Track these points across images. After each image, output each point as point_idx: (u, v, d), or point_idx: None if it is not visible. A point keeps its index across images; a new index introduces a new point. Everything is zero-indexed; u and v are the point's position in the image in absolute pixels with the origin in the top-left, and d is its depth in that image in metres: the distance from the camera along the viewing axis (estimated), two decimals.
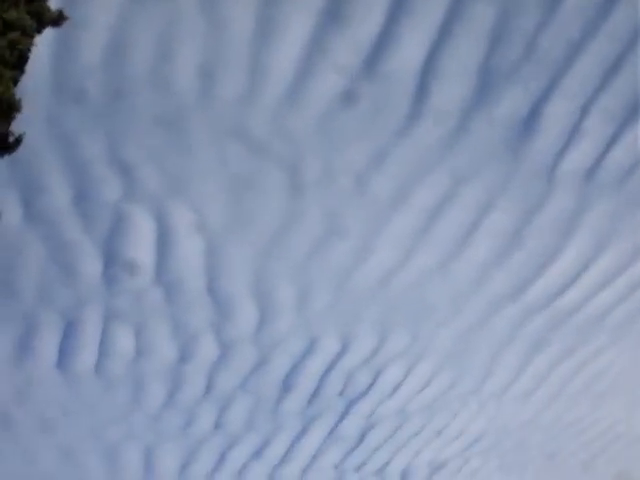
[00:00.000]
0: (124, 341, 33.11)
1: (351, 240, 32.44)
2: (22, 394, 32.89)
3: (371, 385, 35.03)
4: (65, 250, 30.88)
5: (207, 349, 33.90)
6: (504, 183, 31.43)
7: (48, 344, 32.42)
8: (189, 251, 32.07)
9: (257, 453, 35.74)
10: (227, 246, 32.34)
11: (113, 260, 32.22)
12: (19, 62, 12.79)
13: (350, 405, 35.78)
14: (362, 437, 35.64)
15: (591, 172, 30.59)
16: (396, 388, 34.74)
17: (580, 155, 30.39)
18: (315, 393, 35.58)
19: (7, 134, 12.56)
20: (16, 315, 31.71)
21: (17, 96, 12.61)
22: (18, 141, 12.83)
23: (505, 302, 33.48)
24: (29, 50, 12.94)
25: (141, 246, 32.01)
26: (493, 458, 36.06)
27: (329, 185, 30.86)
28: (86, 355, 33.23)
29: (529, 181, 31.67)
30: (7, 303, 30.92)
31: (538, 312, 33.60)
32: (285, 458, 35.77)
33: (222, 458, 35.40)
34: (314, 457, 35.87)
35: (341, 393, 35.54)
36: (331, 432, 35.75)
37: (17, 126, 13.26)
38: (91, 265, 31.70)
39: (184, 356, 34.33)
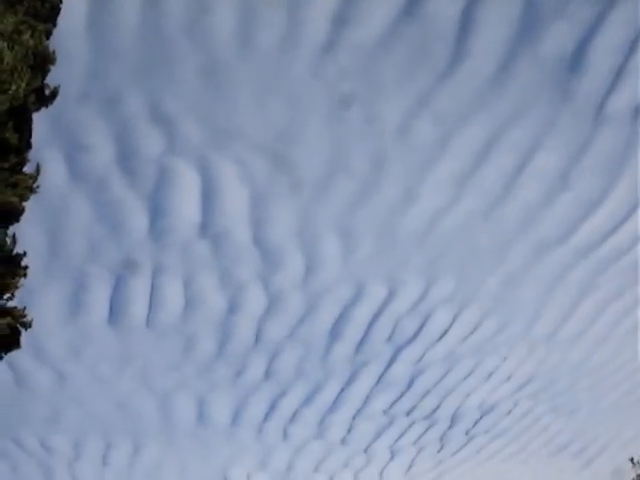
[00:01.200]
0: (173, 294, 33.54)
1: (396, 186, 32.23)
2: (76, 349, 33.62)
3: (419, 331, 35.07)
4: (111, 206, 31.23)
5: (255, 299, 34.18)
6: (550, 123, 30.83)
7: (99, 300, 32.99)
8: (234, 203, 32.21)
9: (307, 401, 36.16)
10: (272, 196, 32.39)
11: (159, 214, 32.54)
12: (51, 14, 12.81)
13: (398, 351, 35.93)
14: (411, 382, 35.83)
15: (638, 110, 29.87)
16: (444, 333, 34.73)
17: (628, 92, 29.61)
18: (363, 340, 35.76)
19: (42, 87, 12.62)
20: (67, 273, 32.29)
21: (51, 49, 12.63)
22: (54, 94, 12.89)
23: (553, 245, 33.08)
24: (60, 1, 12.94)
25: (186, 199, 32.23)
26: (543, 401, 36.00)
27: (372, 131, 30.63)
28: (136, 309, 33.77)
29: (576, 121, 31.03)
30: (57, 262, 31.48)
31: (587, 254, 33.16)
32: (335, 405, 36.16)
33: (273, 406, 35.89)
34: (364, 403, 36.20)
35: (389, 339, 35.66)
36: (380, 378, 35.99)
37: (53, 80, 13.31)
38: (137, 220, 32.05)
39: (233, 307, 34.70)
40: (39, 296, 29.29)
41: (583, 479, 33.96)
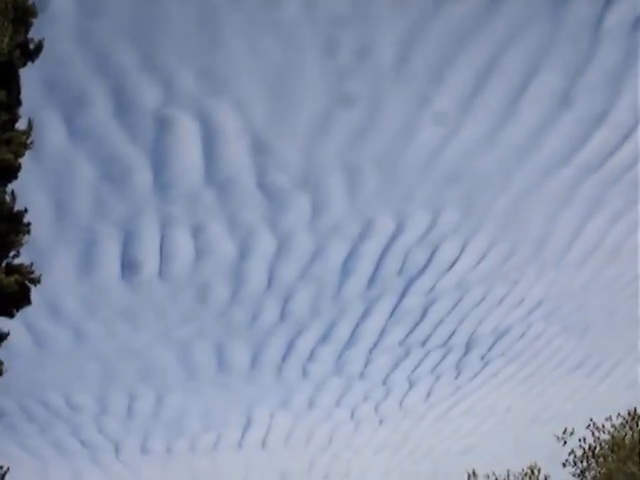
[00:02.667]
0: (183, 245, 33.73)
1: (397, 118, 32.12)
2: (91, 306, 33.92)
3: (429, 262, 35.19)
4: (114, 162, 31.30)
5: (265, 243, 34.35)
6: (549, 43, 30.55)
7: (110, 256, 33.22)
8: (236, 148, 32.22)
9: (324, 338, 36.49)
10: (273, 139, 32.33)
11: (162, 167, 32.60)
12: None
13: (410, 283, 36.12)
14: (424, 313, 36.05)
15: (637, 23, 29.47)
16: (454, 263, 34.81)
17: (626, 5, 29.30)
18: (374, 275, 35.95)
19: (27, 42, 12.50)
20: (76, 232, 32.49)
21: (30, 1, 12.48)
22: (39, 48, 12.78)
23: (558, 165, 32.98)
24: None
25: (188, 149, 32.25)
26: (555, 322, 36.18)
27: (368, 65, 30.42)
28: (148, 262, 34.01)
29: (575, 38, 30.71)
30: (65, 222, 31.67)
31: (592, 172, 33.05)
32: (351, 340, 36.48)
33: (290, 346, 36.23)
34: (379, 336, 36.50)
35: (400, 272, 35.81)
36: (393, 311, 36.25)
37: (37, 34, 13.15)
38: (141, 174, 32.14)
39: (243, 253, 34.90)
40: (51, 256, 29.55)
41: (599, 395, 34.23)
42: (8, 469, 13.97)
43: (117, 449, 34.33)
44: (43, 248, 26.75)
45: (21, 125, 12.92)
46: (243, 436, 35.67)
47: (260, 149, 32.14)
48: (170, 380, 36.30)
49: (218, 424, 36.13)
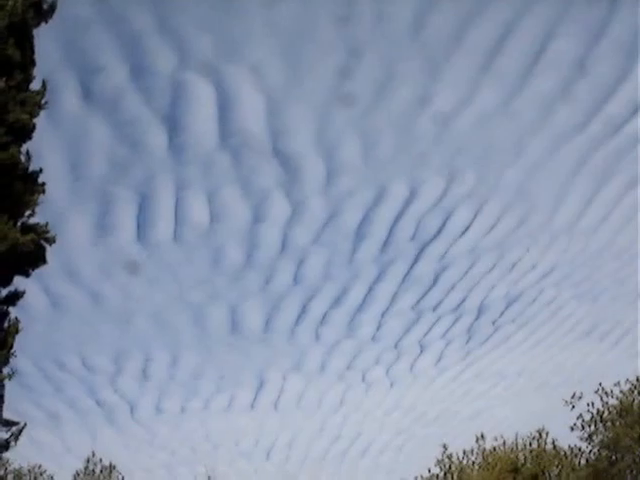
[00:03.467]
0: (198, 208, 34.02)
1: (411, 85, 32.09)
2: (107, 269, 34.36)
3: (441, 228, 35.38)
4: (129, 126, 31.50)
5: (279, 208, 34.61)
6: (565, 9, 30.30)
7: (126, 220, 33.61)
8: (251, 113, 32.31)
9: (336, 302, 36.85)
10: (288, 104, 32.37)
11: (177, 130, 32.75)
12: None
13: (422, 249, 36.34)
14: (436, 278, 36.30)
15: None
16: (466, 228, 35.01)
17: None
18: (387, 240, 36.18)
19: (40, 2, 12.54)
20: (91, 196, 32.83)
21: None
22: (52, 8, 12.83)
23: (571, 133, 32.91)
24: None
25: (203, 113, 32.38)
26: (566, 288, 36.31)
27: (384, 30, 30.31)
28: (163, 226, 34.36)
29: (592, 4, 30.43)
30: (81, 185, 31.97)
31: (605, 141, 32.96)
32: (364, 304, 36.82)
33: (304, 309, 36.64)
34: (391, 301, 36.78)
35: (413, 238, 36.03)
36: (406, 276, 36.49)
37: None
38: (157, 138, 32.34)
39: (257, 217, 35.19)
40: (67, 219, 29.88)
41: (608, 362, 34.40)
42: (25, 424, 14.26)
43: (132, 409, 34.97)
44: (60, 211, 27.08)
45: (35, 85, 13.08)
46: (256, 397, 36.28)
47: (275, 114, 32.27)
48: (185, 342, 36.81)
49: (231, 385, 36.74)
